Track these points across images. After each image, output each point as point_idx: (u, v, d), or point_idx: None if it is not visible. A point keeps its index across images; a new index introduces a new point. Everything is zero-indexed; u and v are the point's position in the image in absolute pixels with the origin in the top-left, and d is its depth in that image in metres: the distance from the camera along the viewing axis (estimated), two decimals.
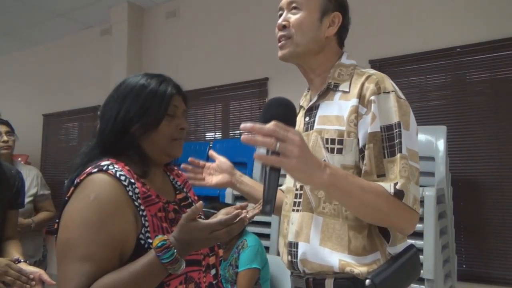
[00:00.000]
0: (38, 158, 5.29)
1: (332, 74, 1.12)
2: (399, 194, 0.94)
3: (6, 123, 2.49)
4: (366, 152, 1.00)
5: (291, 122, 0.85)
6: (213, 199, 2.69)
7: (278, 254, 2.50)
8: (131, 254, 0.89)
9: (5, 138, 2.41)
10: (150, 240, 0.91)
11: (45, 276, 1.38)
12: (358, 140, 1.01)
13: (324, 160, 1.02)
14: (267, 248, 2.46)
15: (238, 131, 3.77)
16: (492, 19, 2.60)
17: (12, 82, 5.92)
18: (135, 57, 4.42)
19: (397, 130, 0.98)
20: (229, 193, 2.74)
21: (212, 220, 0.88)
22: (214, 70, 3.88)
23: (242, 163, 3.17)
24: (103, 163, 0.94)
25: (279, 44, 1.13)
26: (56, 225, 0.94)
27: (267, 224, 2.54)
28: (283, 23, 1.12)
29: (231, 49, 3.81)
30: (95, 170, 0.92)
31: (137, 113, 1.00)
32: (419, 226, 1.92)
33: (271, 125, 0.81)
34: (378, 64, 2.92)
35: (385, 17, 2.96)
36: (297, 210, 1.10)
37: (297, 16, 1.10)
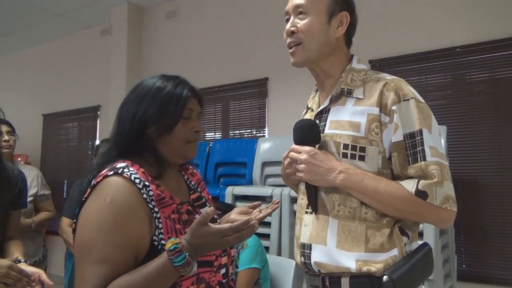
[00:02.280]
0: (38, 158, 5.29)
1: (344, 79, 1.13)
2: (421, 194, 0.98)
3: (7, 123, 2.50)
4: (392, 160, 1.05)
5: (309, 141, 1.10)
6: (213, 200, 2.69)
7: (278, 254, 2.51)
8: (145, 255, 0.92)
9: (6, 137, 2.43)
10: (163, 242, 0.93)
11: (44, 276, 1.39)
12: (381, 148, 1.05)
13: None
14: (267, 248, 2.46)
15: (238, 131, 3.78)
16: (492, 19, 2.61)
17: (12, 82, 5.93)
18: (135, 57, 4.42)
19: (419, 137, 1.01)
20: (229, 193, 2.74)
21: (223, 225, 0.89)
22: (214, 70, 3.88)
23: (242, 163, 3.17)
24: (118, 165, 0.97)
25: (290, 51, 1.14)
26: (74, 225, 0.97)
27: (267, 224, 2.53)
28: (292, 29, 1.12)
29: (231, 49, 3.81)
30: (111, 173, 0.94)
31: (153, 115, 1.01)
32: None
33: (287, 151, 1.13)
34: (378, 64, 2.92)
35: (385, 17, 2.96)
36: (310, 212, 1.13)
37: (305, 21, 1.10)
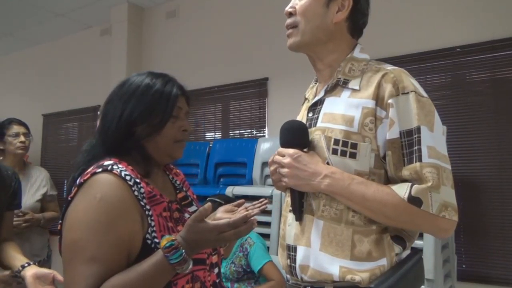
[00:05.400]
0: (38, 158, 5.28)
1: (342, 68, 1.05)
2: (415, 201, 0.88)
3: (24, 124, 2.60)
4: (386, 160, 0.96)
5: (295, 144, 1.02)
6: (218, 194, 2.69)
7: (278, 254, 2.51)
8: (138, 254, 0.89)
9: (22, 139, 2.51)
10: (156, 240, 0.91)
11: (59, 276, 1.37)
12: (374, 146, 0.96)
13: (327, 162, 0.98)
14: (267, 248, 2.46)
15: (238, 131, 3.78)
16: (492, 19, 2.60)
17: (12, 82, 5.92)
18: (135, 57, 4.42)
19: (416, 135, 0.92)
20: (229, 193, 2.73)
21: (220, 221, 0.87)
22: (214, 70, 3.87)
23: (242, 163, 3.17)
24: (106, 162, 0.93)
25: (286, 33, 1.09)
26: (60, 226, 0.93)
27: (267, 224, 2.53)
28: (289, 10, 1.07)
29: (231, 49, 3.81)
30: (100, 170, 0.91)
31: (142, 114, 0.99)
32: None
33: (272, 156, 1.07)
34: None
35: (385, 17, 2.96)
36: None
37: (302, 2, 1.05)
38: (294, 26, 1.06)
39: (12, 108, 5.49)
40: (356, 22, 1.10)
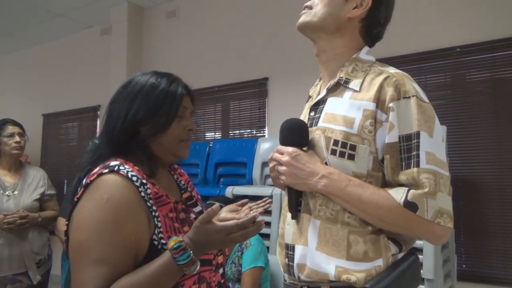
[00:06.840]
0: (38, 158, 5.28)
1: (346, 68, 1.05)
2: (411, 206, 0.88)
3: (19, 124, 2.59)
4: (384, 163, 0.95)
5: (294, 143, 1.02)
6: (218, 195, 2.69)
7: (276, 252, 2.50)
8: (145, 255, 0.89)
9: (17, 139, 2.51)
10: (163, 241, 0.91)
11: None
12: (373, 148, 0.95)
13: (326, 162, 0.98)
14: (267, 248, 2.46)
15: (238, 131, 3.78)
16: (492, 19, 2.61)
17: (12, 82, 5.92)
18: (135, 57, 4.42)
19: (415, 141, 0.91)
20: (228, 193, 2.74)
21: (229, 222, 0.87)
22: (214, 70, 3.88)
23: (242, 163, 3.17)
24: (112, 163, 0.93)
25: (301, 13, 1.10)
26: (66, 227, 0.93)
27: (267, 224, 2.53)
28: None
29: (231, 49, 3.81)
30: (106, 170, 0.90)
31: (148, 114, 0.98)
32: None
33: (272, 153, 1.07)
34: None
35: None
36: None
37: None
38: (310, 8, 1.08)
39: (12, 108, 5.50)
40: (370, 28, 1.10)
